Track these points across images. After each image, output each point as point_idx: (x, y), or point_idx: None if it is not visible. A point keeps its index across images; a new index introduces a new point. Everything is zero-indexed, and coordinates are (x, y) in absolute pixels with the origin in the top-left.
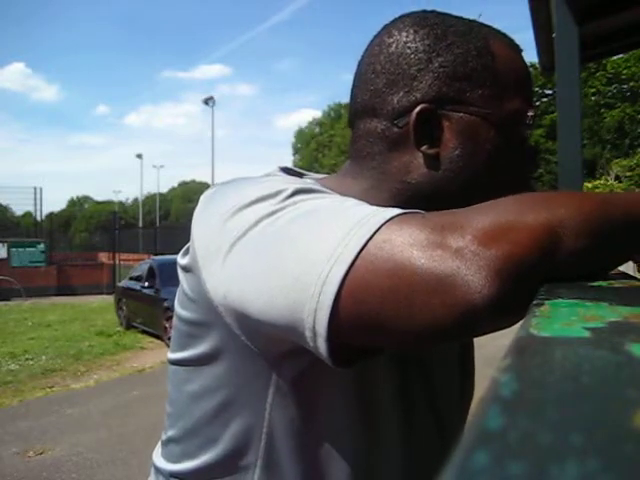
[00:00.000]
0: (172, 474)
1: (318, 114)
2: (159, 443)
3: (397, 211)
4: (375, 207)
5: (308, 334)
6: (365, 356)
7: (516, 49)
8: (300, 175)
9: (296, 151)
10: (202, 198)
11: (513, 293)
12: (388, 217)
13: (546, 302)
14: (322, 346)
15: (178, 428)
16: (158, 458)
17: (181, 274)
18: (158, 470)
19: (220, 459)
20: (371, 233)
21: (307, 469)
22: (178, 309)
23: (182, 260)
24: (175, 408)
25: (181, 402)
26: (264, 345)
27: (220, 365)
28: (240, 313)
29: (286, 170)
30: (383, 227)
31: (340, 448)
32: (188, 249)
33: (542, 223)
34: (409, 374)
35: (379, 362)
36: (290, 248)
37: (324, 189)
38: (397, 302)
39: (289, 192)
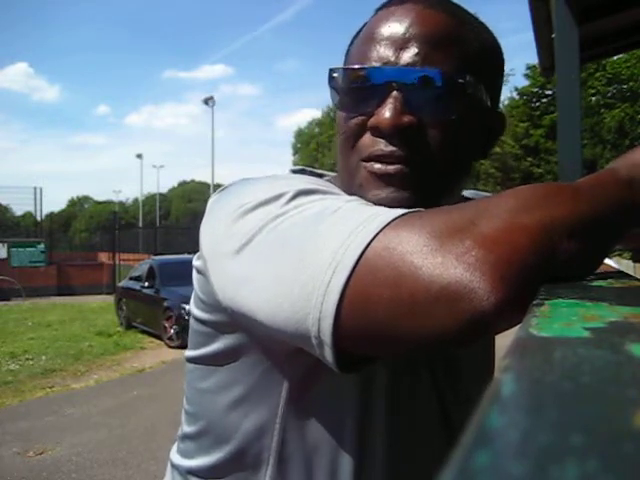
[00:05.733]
0: (188, 470)
1: (319, 114)
2: (176, 441)
3: (395, 213)
4: (375, 209)
5: (314, 341)
6: (371, 361)
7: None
8: (314, 175)
9: (296, 151)
10: (208, 203)
11: (518, 297)
12: (386, 221)
13: (546, 302)
14: (328, 354)
15: (193, 425)
16: (174, 454)
17: (195, 276)
18: (174, 466)
19: (234, 455)
20: (370, 239)
21: (317, 465)
22: (192, 309)
23: (196, 262)
24: (191, 405)
25: (196, 399)
26: (273, 345)
27: (233, 363)
28: (248, 317)
29: (300, 172)
30: (381, 233)
31: (349, 444)
32: None
33: (538, 223)
34: (416, 373)
35: (385, 361)
36: (293, 255)
37: (327, 188)
38: (400, 312)
39: (290, 195)
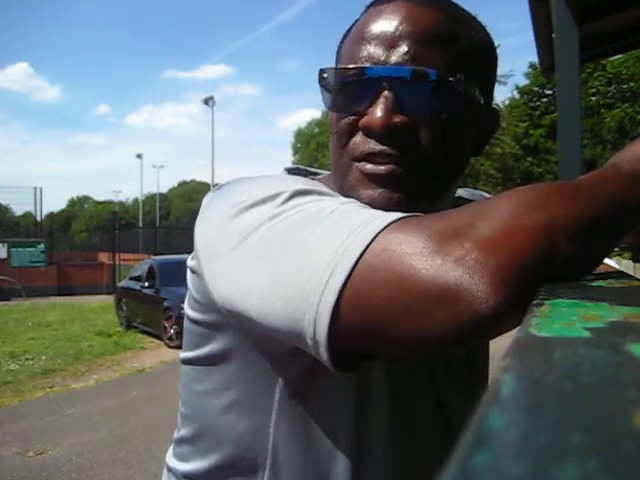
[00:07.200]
0: (184, 475)
1: (319, 114)
2: (172, 443)
3: (394, 216)
4: (373, 212)
5: (309, 342)
6: (368, 360)
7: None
8: (308, 174)
9: (296, 151)
10: (203, 202)
11: (517, 299)
12: (385, 224)
13: (546, 302)
14: (323, 353)
15: (189, 428)
16: (170, 458)
17: (189, 276)
18: (170, 470)
19: (229, 459)
20: (368, 241)
21: (315, 467)
22: (187, 310)
23: (190, 262)
24: (186, 408)
25: (192, 402)
26: (268, 345)
27: (228, 365)
28: (243, 316)
29: (294, 171)
30: (380, 235)
31: (346, 445)
32: None
33: (538, 224)
34: (414, 373)
35: (382, 362)
36: (290, 255)
37: (323, 189)
38: (397, 313)
39: (287, 195)
